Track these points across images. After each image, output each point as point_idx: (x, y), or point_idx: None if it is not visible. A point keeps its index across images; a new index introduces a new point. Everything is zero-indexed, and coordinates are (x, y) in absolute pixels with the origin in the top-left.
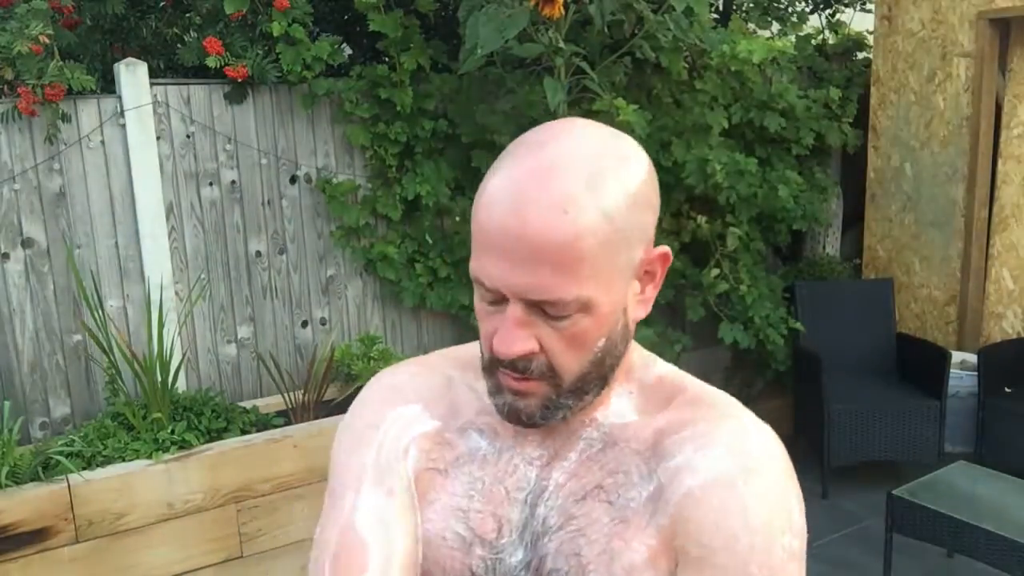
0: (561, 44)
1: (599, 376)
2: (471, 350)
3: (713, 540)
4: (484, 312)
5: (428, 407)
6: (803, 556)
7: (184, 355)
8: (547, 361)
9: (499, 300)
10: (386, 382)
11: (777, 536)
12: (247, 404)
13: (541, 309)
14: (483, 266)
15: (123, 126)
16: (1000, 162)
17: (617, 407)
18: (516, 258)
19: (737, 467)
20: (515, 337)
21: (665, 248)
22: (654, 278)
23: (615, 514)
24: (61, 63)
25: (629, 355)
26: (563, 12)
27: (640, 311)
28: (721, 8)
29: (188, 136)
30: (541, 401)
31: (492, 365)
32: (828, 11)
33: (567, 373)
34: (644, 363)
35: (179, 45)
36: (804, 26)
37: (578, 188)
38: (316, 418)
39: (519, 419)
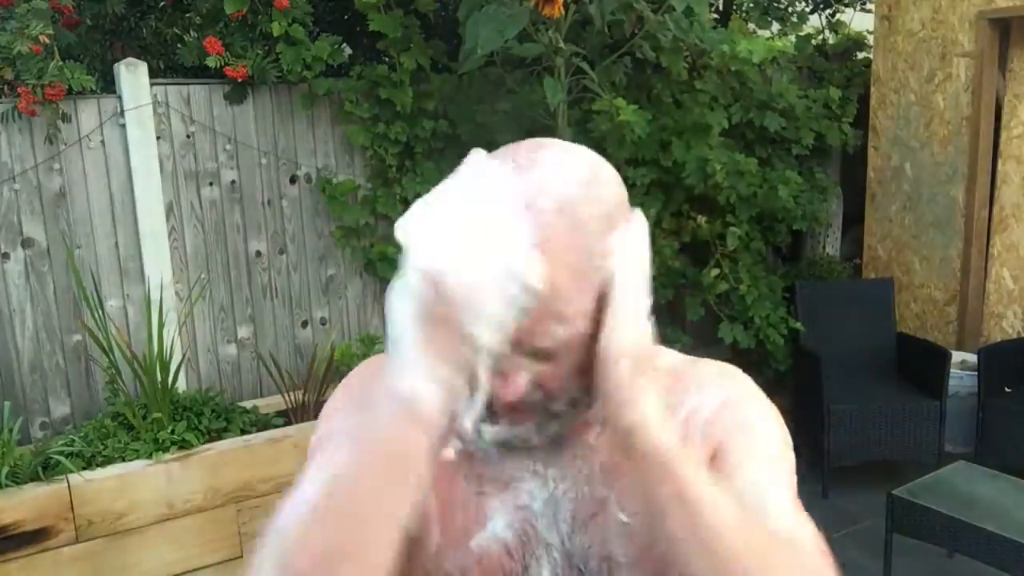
0: (561, 44)
1: (591, 394)
2: None
3: (736, 436)
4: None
5: None
6: (789, 442)
7: (184, 355)
8: (544, 395)
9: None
10: (354, 384)
11: (780, 433)
12: (247, 404)
13: (538, 354)
14: None
15: (123, 126)
16: (1000, 162)
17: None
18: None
19: (736, 393)
20: (518, 384)
21: None
22: None
23: None
24: (61, 63)
25: None
26: (563, 12)
27: None
28: (721, 8)
29: (188, 136)
30: (533, 427)
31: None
32: (828, 11)
33: (559, 398)
34: None
35: (179, 45)
36: (804, 26)
37: (574, 238)
38: (316, 418)
39: (511, 445)
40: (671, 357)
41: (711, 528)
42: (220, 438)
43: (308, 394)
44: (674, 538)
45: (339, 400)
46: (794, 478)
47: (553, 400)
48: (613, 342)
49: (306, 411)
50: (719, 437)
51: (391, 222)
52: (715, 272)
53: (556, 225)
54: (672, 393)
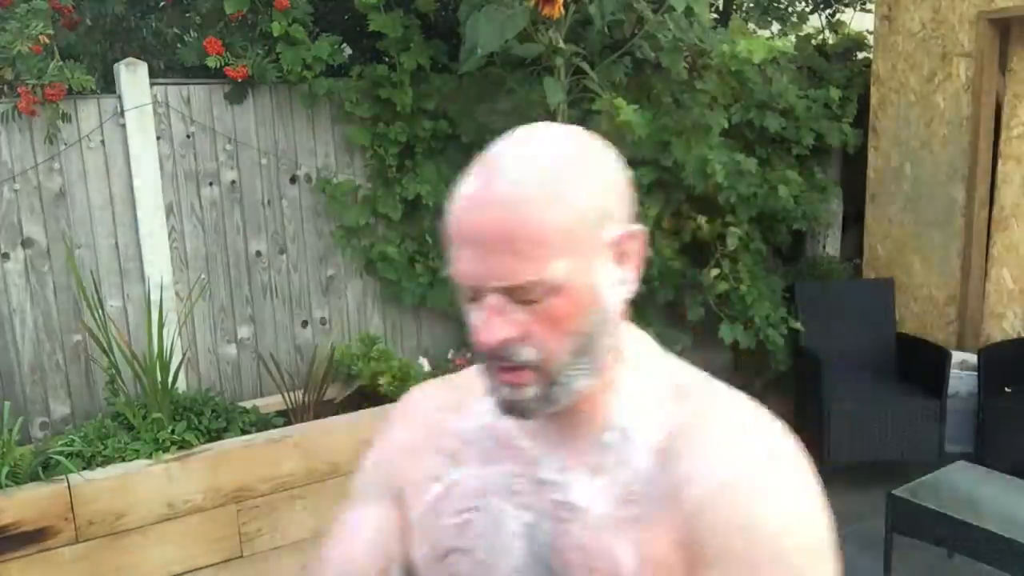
0: (561, 44)
1: (590, 362)
2: None
3: (727, 539)
4: (469, 312)
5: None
6: (821, 547)
7: (184, 355)
8: (532, 349)
9: (478, 296)
10: (399, 407)
11: (784, 536)
12: (247, 404)
13: (515, 297)
14: (455, 264)
15: (123, 126)
16: (1000, 162)
17: (619, 405)
18: (481, 250)
19: (747, 472)
20: (494, 325)
21: (636, 227)
22: (631, 259)
23: (629, 510)
24: (61, 63)
25: (628, 344)
26: (563, 12)
27: (620, 293)
28: (721, 8)
29: (188, 136)
30: (534, 391)
31: (486, 363)
32: (828, 11)
33: (553, 358)
34: (647, 352)
35: (179, 45)
36: (804, 26)
37: (532, 175)
38: (316, 418)
39: (515, 411)
40: (681, 372)
41: None
42: (220, 438)
43: (308, 394)
44: None
45: (396, 429)
46: None
47: (548, 361)
48: None
49: (306, 411)
50: (709, 534)
51: (391, 222)
52: (715, 272)
53: (529, 173)
54: (672, 436)
